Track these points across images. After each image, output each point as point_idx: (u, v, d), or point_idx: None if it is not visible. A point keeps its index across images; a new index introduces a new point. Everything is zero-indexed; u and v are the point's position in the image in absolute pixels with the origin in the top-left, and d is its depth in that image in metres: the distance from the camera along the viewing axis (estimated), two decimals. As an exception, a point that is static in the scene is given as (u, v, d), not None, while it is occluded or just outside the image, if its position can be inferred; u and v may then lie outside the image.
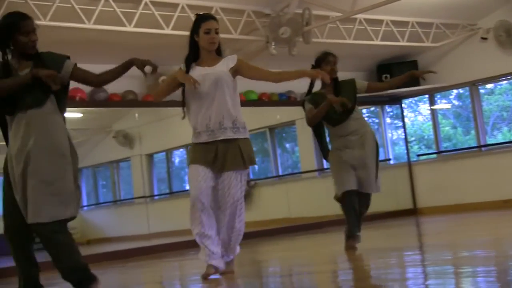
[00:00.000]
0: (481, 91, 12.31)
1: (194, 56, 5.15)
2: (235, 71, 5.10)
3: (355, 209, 6.16)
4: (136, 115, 10.78)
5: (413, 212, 12.15)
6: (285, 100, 11.40)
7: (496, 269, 4.21)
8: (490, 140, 12.56)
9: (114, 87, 9.74)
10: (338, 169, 6.23)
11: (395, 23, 10.62)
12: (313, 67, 6.27)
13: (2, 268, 7.57)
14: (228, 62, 5.11)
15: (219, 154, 5.00)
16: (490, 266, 4.42)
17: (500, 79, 11.92)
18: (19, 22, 4.13)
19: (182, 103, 5.14)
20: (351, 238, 6.16)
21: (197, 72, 5.04)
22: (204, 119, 5.01)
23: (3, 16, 4.25)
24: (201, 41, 5.08)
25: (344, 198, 6.15)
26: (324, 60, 6.26)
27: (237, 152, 5.01)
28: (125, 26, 8.22)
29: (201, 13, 5.26)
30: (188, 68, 5.11)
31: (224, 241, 5.10)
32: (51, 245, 4.14)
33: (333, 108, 6.16)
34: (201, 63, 5.12)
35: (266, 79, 5.29)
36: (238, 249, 5.21)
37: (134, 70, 8.25)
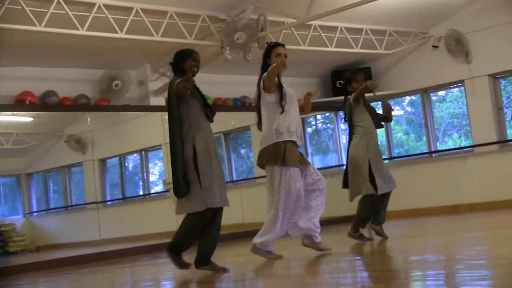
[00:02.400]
0: (433, 98, 12.49)
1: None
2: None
3: None
4: (89, 119, 10.65)
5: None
6: (240, 105, 11.41)
7: (445, 273, 4.27)
8: (441, 147, 12.74)
9: (66, 91, 9.63)
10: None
11: (349, 30, 10.71)
12: (344, 85, 7.44)
13: None
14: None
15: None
16: (439, 270, 4.48)
17: (451, 86, 12.12)
18: (192, 51, 5.77)
19: (280, 100, 6.11)
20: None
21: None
22: (289, 122, 6.09)
23: (182, 50, 5.83)
24: (272, 64, 6.08)
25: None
26: (354, 79, 7.31)
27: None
28: (77, 29, 8.12)
29: (272, 41, 6.62)
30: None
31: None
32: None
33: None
34: None
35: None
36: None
37: (87, 74, 8.20)
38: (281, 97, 6.08)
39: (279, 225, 6.03)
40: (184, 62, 5.71)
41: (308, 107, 6.50)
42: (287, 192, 6.01)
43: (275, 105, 6.08)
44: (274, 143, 6.04)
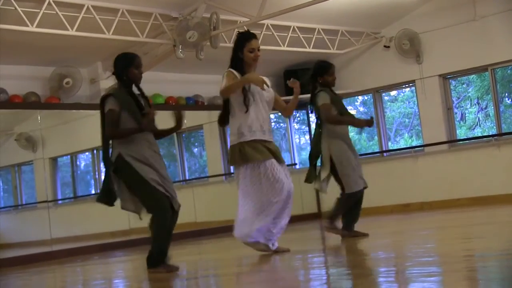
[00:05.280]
0: (385, 98, 12.62)
1: (239, 69, 5.77)
2: None
3: None
4: (39, 117, 10.51)
5: (317, 216, 12.32)
6: (193, 104, 11.37)
7: (395, 269, 4.32)
8: (393, 146, 12.89)
9: (16, 89, 9.48)
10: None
11: (301, 29, 10.76)
12: (315, 75, 6.82)
13: None
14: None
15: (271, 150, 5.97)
16: (389, 267, 4.53)
17: (403, 86, 12.27)
18: (134, 58, 5.39)
19: (245, 101, 5.76)
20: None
21: None
22: (258, 120, 5.86)
23: (122, 54, 5.48)
24: (246, 58, 5.74)
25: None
26: (328, 72, 6.75)
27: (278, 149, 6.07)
28: (27, 26, 8.00)
29: (244, 31, 6.10)
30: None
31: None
32: None
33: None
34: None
35: None
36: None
37: (37, 71, 8.08)
38: (244, 97, 5.72)
39: None
40: (127, 70, 5.36)
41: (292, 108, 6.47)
42: None
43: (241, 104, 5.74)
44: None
